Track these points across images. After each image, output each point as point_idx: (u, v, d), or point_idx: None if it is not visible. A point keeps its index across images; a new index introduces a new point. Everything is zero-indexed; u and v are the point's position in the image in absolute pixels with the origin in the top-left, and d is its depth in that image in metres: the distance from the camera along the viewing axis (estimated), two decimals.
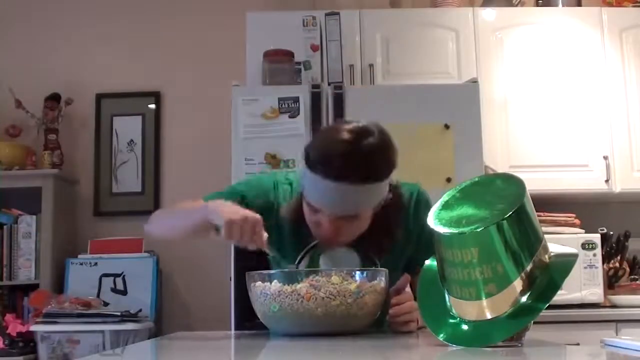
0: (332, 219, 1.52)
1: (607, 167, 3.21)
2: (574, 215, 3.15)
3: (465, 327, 1.18)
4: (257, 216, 1.46)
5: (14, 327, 2.99)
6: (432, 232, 1.20)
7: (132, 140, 3.64)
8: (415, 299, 1.43)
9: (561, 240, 2.59)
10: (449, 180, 2.74)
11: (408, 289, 1.54)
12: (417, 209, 1.67)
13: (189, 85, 3.66)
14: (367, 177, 1.47)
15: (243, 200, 1.61)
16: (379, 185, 1.51)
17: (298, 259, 1.61)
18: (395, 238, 1.63)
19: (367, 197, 1.51)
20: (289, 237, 1.65)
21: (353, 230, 1.57)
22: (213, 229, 1.57)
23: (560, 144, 3.23)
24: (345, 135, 1.47)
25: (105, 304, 3.15)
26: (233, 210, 1.47)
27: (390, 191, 1.57)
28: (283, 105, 2.84)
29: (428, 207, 1.27)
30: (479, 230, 1.13)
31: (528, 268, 1.14)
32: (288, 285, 1.39)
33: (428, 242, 1.24)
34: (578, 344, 2.34)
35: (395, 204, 1.61)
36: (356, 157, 1.46)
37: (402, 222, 1.65)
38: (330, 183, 1.46)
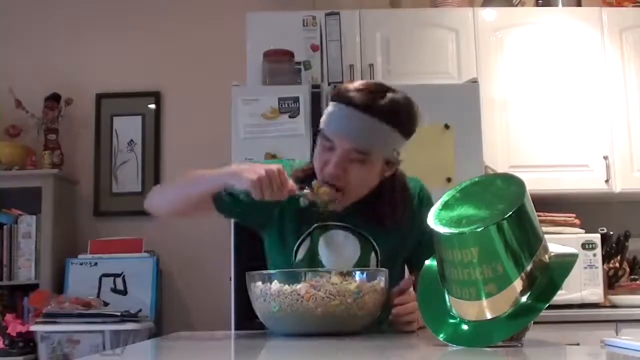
0: (343, 153, 1.52)
1: (607, 167, 3.21)
2: (574, 215, 3.15)
3: (465, 327, 1.18)
4: (278, 166, 1.50)
5: (14, 327, 2.99)
6: (432, 233, 1.20)
7: (132, 140, 3.64)
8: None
9: (561, 240, 2.59)
10: (449, 180, 2.74)
11: (411, 289, 1.54)
12: (420, 203, 1.68)
13: (189, 85, 3.66)
14: (388, 114, 1.51)
15: None
16: (396, 134, 1.54)
17: (298, 242, 1.62)
18: (396, 210, 1.63)
19: (381, 139, 1.53)
20: (290, 220, 1.65)
21: (358, 175, 1.56)
22: (214, 204, 1.59)
23: (561, 144, 3.23)
24: (376, 82, 1.58)
25: (105, 304, 3.15)
26: (253, 168, 1.49)
27: (399, 161, 1.59)
28: (283, 105, 2.84)
29: (430, 203, 1.28)
30: (479, 230, 1.13)
31: (528, 268, 1.14)
32: (288, 285, 1.39)
33: (429, 241, 1.24)
34: (578, 344, 2.34)
35: (400, 179, 1.64)
36: (382, 95, 1.52)
37: (406, 203, 1.66)
38: (351, 111, 1.51)
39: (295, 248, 1.63)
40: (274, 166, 1.49)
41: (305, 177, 1.63)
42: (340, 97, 1.54)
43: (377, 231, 1.64)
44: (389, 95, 1.53)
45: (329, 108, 1.57)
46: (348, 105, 1.51)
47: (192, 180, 1.67)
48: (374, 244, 1.63)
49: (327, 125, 1.56)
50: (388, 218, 1.62)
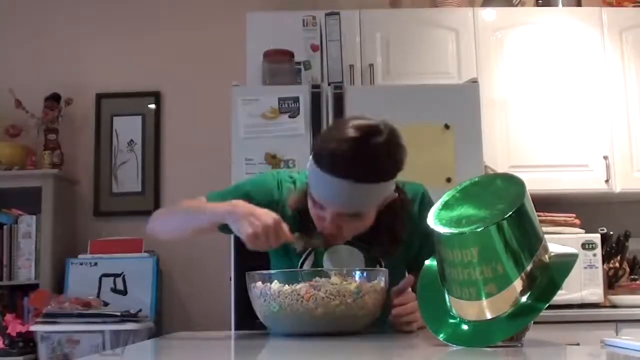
0: (334, 216, 1.52)
1: (607, 167, 3.21)
2: (574, 215, 3.15)
3: (465, 327, 1.18)
4: (275, 216, 1.47)
5: (14, 327, 2.99)
6: (432, 233, 1.20)
7: (132, 140, 3.64)
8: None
9: (561, 240, 2.60)
10: (449, 180, 2.74)
11: (410, 289, 1.54)
12: (421, 209, 1.67)
13: (189, 85, 3.66)
14: (372, 176, 1.47)
15: (247, 200, 1.60)
16: (384, 184, 1.51)
17: (302, 258, 1.62)
18: (397, 237, 1.63)
19: (371, 196, 1.51)
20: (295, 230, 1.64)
21: (355, 228, 1.57)
22: (218, 229, 1.59)
23: (561, 144, 3.23)
24: (353, 133, 1.46)
25: (105, 304, 3.15)
26: (249, 217, 1.46)
27: (395, 190, 1.58)
28: (283, 105, 2.84)
29: (432, 206, 1.27)
30: (479, 230, 1.13)
31: (528, 268, 1.14)
32: (288, 285, 1.39)
33: (430, 242, 1.24)
34: (578, 344, 2.34)
35: (399, 203, 1.62)
36: (362, 155, 1.45)
37: (406, 222, 1.66)
38: (334, 179, 1.46)
39: (299, 264, 1.63)
40: (271, 218, 1.46)
41: (300, 209, 1.62)
42: (321, 163, 1.48)
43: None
44: (370, 144, 1.45)
45: (312, 170, 1.51)
46: (330, 173, 1.46)
47: (190, 213, 1.66)
48: (379, 257, 1.63)
49: (313, 189, 1.53)
50: (389, 244, 1.62)
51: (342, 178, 1.45)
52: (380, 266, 1.63)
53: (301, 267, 1.63)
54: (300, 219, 1.62)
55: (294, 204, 1.64)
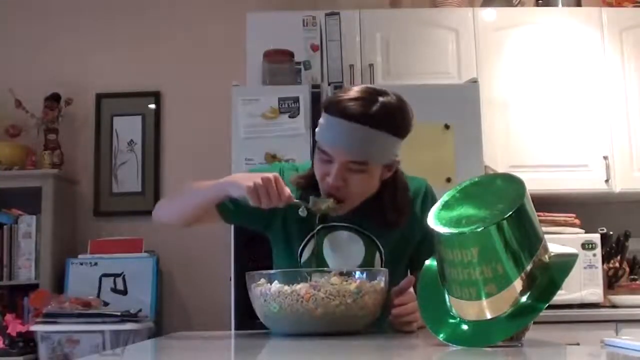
0: (341, 165, 1.53)
1: (607, 167, 3.21)
2: (574, 215, 3.15)
3: (465, 327, 1.18)
4: (275, 174, 1.51)
5: (14, 327, 2.98)
6: (432, 233, 1.20)
7: (132, 140, 3.64)
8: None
9: (561, 240, 2.60)
10: (449, 180, 2.74)
11: (411, 289, 1.54)
12: (424, 203, 1.68)
13: (189, 85, 3.66)
14: (384, 123, 1.51)
15: None
16: (393, 139, 1.54)
17: (302, 243, 1.63)
18: (400, 210, 1.64)
19: (380, 147, 1.53)
20: (294, 223, 1.66)
21: (359, 184, 1.57)
22: (217, 210, 1.61)
23: (560, 144, 3.23)
24: (366, 88, 1.56)
25: (105, 304, 3.15)
26: (250, 177, 1.50)
27: (398, 161, 1.60)
28: (283, 105, 2.84)
29: (435, 203, 1.28)
30: (479, 230, 1.13)
31: (528, 268, 1.14)
32: (288, 285, 1.39)
33: (430, 241, 1.24)
34: (578, 344, 2.34)
35: (401, 181, 1.65)
36: (374, 101, 1.51)
37: (408, 203, 1.67)
38: (346, 124, 1.49)
39: (300, 249, 1.64)
40: (271, 174, 1.50)
41: (307, 183, 1.65)
42: (333, 109, 1.53)
43: (381, 231, 1.65)
44: (381, 100, 1.52)
45: (322, 120, 1.56)
46: (341, 117, 1.50)
47: (193, 191, 1.69)
48: (378, 243, 1.64)
49: (322, 139, 1.56)
50: (392, 217, 1.63)
51: (354, 121, 1.49)
52: (380, 252, 1.64)
53: (301, 252, 1.65)
54: (304, 193, 1.63)
55: (297, 179, 1.66)
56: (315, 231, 1.64)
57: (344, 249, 1.63)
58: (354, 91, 1.54)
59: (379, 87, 1.58)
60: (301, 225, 1.65)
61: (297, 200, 1.57)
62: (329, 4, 3.39)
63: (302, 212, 1.59)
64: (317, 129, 1.58)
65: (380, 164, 1.57)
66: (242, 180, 1.51)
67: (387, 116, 1.51)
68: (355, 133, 1.50)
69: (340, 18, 3.03)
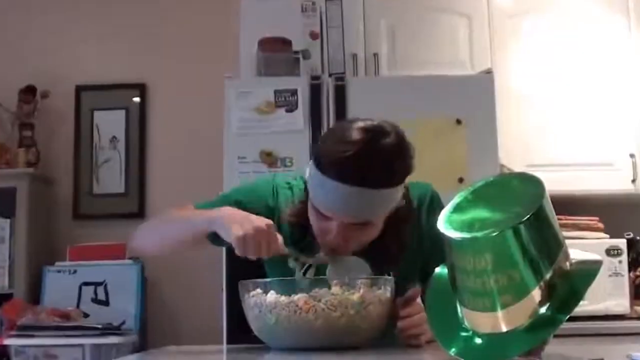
0: (341, 226, 1.52)
1: (634, 166, 3.21)
2: (597, 218, 3.15)
3: (478, 340, 1.18)
4: (267, 221, 1.48)
5: None
6: (443, 238, 1.20)
7: (114, 137, 3.64)
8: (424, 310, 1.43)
9: (584, 245, 2.60)
10: (461, 180, 2.74)
11: (418, 300, 1.54)
12: (430, 212, 1.68)
13: (177, 76, 3.66)
14: (384, 181, 1.48)
15: (238, 208, 1.60)
16: (395, 189, 1.52)
17: (302, 270, 1.62)
18: (406, 245, 1.64)
19: (382, 203, 1.52)
20: (293, 248, 1.64)
21: (363, 238, 1.57)
22: (208, 239, 1.59)
23: (583, 140, 3.24)
24: (360, 135, 1.47)
25: (86, 316, 3.16)
26: (240, 221, 1.47)
27: (403, 195, 1.58)
28: (280, 99, 2.84)
29: (441, 208, 1.28)
30: (493, 234, 1.13)
31: (547, 276, 1.14)
32: (285, 295, 1.39)
33: (439, 248, 1.24)
34: (602, 359, 2.34)
35: (406, 208, 1.62)
36: (373, 159, 1.45)
37: (413, 227, 1.66)
38: (342, 187, 1.45)
39: (301, 274, 1.63)
40: (264, 223, 1.46)
41: (298, 221, 1.63)
42: (326, 168, 1.47)
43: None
44: (379, 147, 1.46)
45: (316, 176, 1.50)
46: (336, 180, 1.45)
47: (177, 222, 1.66)
48: (386, 268, 1.63)
49: (316, 198, 1.53)
50: (396, 252, 1.63)
51: (351, 185, 1.45)
52: (388, 274, 1.63)
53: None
54: (297, 232, 1.63)
55: (291, 216, 1.64)
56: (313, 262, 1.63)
57: (349, 271, 1.61)
58: (348, 141, 1.46)
59: (375, 123, 1.51)
60: (302, 250, 1.64)
61: (287, 251, 1.55)
62: None
63: (292, 264, 1.58)
64: (308, 179, 1.55)
65: (384, 215, 1.56)
66: (232, 224, 1.46)
67: (388, 171, 1.48)
68: (354, 196, 1.46)
69: (342, 3, 3.04)
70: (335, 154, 1.46)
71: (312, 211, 1.57)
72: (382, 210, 1.54)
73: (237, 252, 1.46)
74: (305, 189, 1.60)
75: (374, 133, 1.47)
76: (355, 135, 1.47)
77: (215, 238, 1.59)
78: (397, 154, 1.49)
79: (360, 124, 1.50)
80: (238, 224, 1.46)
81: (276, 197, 1.69)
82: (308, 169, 1.54)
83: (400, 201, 1.57)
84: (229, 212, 1.53)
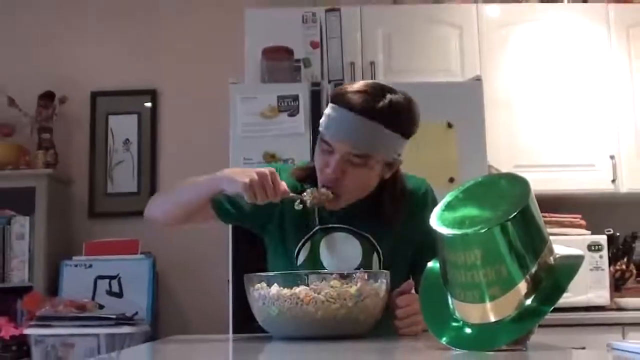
0: (342, 156, 1.54)
1: (614, 166, 3.21)
2: (579, 216, 3.15)
3: (468, 330, 1.18)
4: (270, 169, 1.52)
5: (7, 330, 2.98)
6: (434, 234, 1.20)
7: (127, 140, 3.64)
8: None
9: (567, 241, 2.59)
10: (451, 180, 2.74)
11: (413, 291, 1.54)
12: (424, 204, 1.68)
13: (186, 83, 3.66)
14: (388, 118, 1.52)
15: None
16: (395, 136, 1.55)
17: (299, 245, 1.64)
18: (399, 212, 1.65)
19: (382, 142, 1.54)
20: (290, 224, 1.67)
21: (358, 178, 1.58)
22: (212, 210, 1.62)
23: (566, 143, 3.24)
24: (375, 84, 1.57)
25: (101, 307, 3.15)
26: (245, 172, 1.51)
27: (400, 161, 1.61)
28: (282, 104, 2.84)
29: (435, 203, 1.28)
30: (482, 231, 1.13)
31: (533, 270, 1.14)
32: (287, 288, 1.39)
33: (431, 242, 1.24)
34: (584, 348, 2.35)
35: (401, 181, 1.66)
36: (382, 96, 1.52)
37: (408, 203, 1.67)
38: (350, 114, 1.51)
39: (296, 252, 1.64)
40: (266, 169, 1.51)
41: (306, 175, 1.66)
42: (339, 99, 1.54)
43: (378, 232, 1.65)
44: (389, 96, 1.53)
45: (328, 110, 1.57)
46: (347, 108, 1.52)
47: (186, 186, 1.68)
48: (376, 245, 1.64)
49: (326, 129, 1.57)
50: (390, 217, 1.64)
51: (358, 114, 1.50)
52: (377, 254, 1.64)
53: (298, 254, 1.65)
54: (302, 188, 1.65)
55: (295, 171, 1.69)
56: (311, 233, 1.65)
57: (341, 251, 1.63)
58: (362, 84, 1.56)
59: (388, 84, 1.59)
60: (297, 226, 1.66)
61: (293, 194, 1.57)
62: (329, 0, 3.38)
63: (298, 205, 1.59)
64: (321, 119, 1.59)
65: (381, 159, 1.57)
66: (237, 175, 1.51)
67: (393, 113, 1.53)
68: (359, 125, 1.51)
69: (341, 14, 3.04)
70: (350, 88, 1.55)
71: (318, 148, 1.60)
72: (381, 149, 1.55)
73: (247, 198, 1.50)
74: (311, 161, 1.65)
75: (388, 87, 1.57)
76: (371, 82, 1.59)
77: (220, 209, 1.62)
78: (405, 105, 1.56)
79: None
80: (243, 174, 1.50)
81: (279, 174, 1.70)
82: (324, 112, 1.60)
83: (399, 161, 1.61)
84: (231, 169, 1.59)
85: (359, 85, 1.56)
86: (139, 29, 3.71)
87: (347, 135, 1.53)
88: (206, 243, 3.30)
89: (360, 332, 1.44)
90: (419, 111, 1.59)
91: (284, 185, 1.53)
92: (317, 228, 1.65)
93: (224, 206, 1.66)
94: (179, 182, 1.73)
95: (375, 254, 1.65)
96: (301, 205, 1.59)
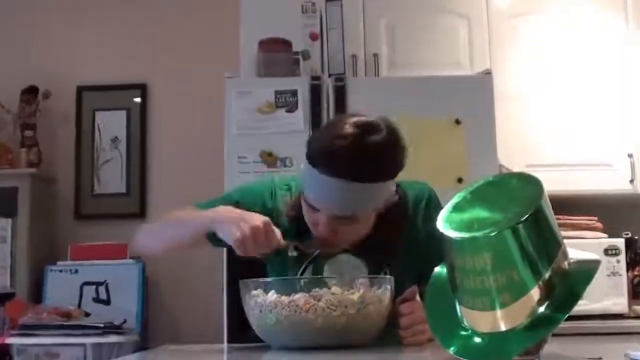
0: (329, 218, 1.53)
1: (632, 166, 3.21)
2: (595, 218, 3.16)
3: (477, 339, 1.18)
4: (264, 218, 1.48)
5: None
6: (442, 238, 1.20)
7: (116, 137, 3.65)
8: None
9: (582, 245, 2.59)
10: (460, 180, 2.74)
11: (417, 298, 1.54)
12: (426, 214, 1.68)
13: (178, 77, 3.66)
14: (369, 175, 1.48)
15: (240, 208, 1.61)
16: (382, 185, 1.53)
17: (301, 269, 1.63)
18: (398, 243, 1.64)
19: (368, 198, 1.53)
20: (291, 250, 1.66)
21: (351, 233, 1.58)
22: (207, 240, 1.60)
23: (581, 141, 3.24)
24: (350, 130, 1.48)
25: (87, 315, 3.16)
26: (237, 222, 1.47)
27: (396, 192, 1.59)
28: (280, 99, 2.84)
29: (438, 209, 1.28)
30: (492, 234, 1.13)
31: (546, 276, 1.14)
32: (285, 295, 1.39)
33: (437, 247, 1.24)
34: (600, 359, 2.34)
35: (400, 206, 1.63)
36: (359, 154, 1.47)
37: (409, 227, 1.67)
38: (329, 179, 1.47)
39: (298, 275, 1.64)
40: (260, 220, 1.46)
41: (299, 214, 1.64)
42: (316, 161, 1.50)
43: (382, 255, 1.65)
44: (368, 142, 1.47)
45: (306, 170, 1.53)
46: (326, 173, 1.47)
47: (177, 224, 1.67)
48: (383, 267, 1.64)
49: (307, 189, 1.55)
50: (392, 249, 1.64)
51: (336, 177, 1.47)
52: (385, 273, 1.64)
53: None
54: (297, 227, 1.64)
55: (291, 210, 1.66)
56: (313, 256, 1.64)
57: (347, 271, 1.63)
58: (338, 135, 1.48)
59: (367, 119, 1.52)
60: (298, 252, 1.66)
61: (286, 242, 1.55)
62: None
63: (292, 252, 1.60)
64: (302, 171, 1.57)
65: (372, 209, 1.57)
66: (230, 224, 1.47)
67: (377, 166, 1.49)
68: (341, 189, 1.48)
69: (342, 4, 3.04)
70: (324, 148, 1.49)
71: (304, 203, 1.58)
72: (368, 206, 1.55)
73: (237, 252, 1.48)
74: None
75: (364, 129, 1.49)
76: (346, 130, 1.48)
77: (215, 240, 1.59)
78: (385, 150, 1.50)
79: (353, 119, 1.51)
80: (235, 226, 1.46)
81: (274, 198, 1.70)
82: (303, 163, 1.55)
83: (392, 197, 1.59)
84: (225, 212, 1.54)
85: (335, 136, 1.48)
86: (128, 20, 3.71)
87: (330, 201, 1.51)
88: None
89: (363, 342, 1.44)
90: (405, 145, 1.54)
91: (277, 236, 1.49)
92: (317, 252, 1.64)
93: (219, 238, 1.65)
94: (168, 216, 1.71)
95: (382, 273, 1.65)
96: (295, 253, 1.60)
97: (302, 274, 1.63)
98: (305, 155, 1.54)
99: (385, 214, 1.61)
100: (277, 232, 1.50)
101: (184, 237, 1.66)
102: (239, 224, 1.46)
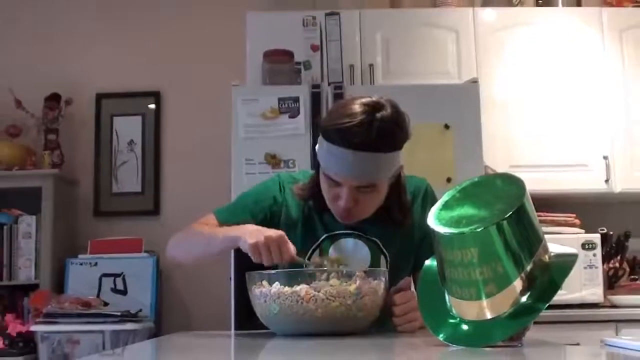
0: (351, 189, 1.56)
1: (607, 167, 3.21)
2: (574, 215, 3.15)
3: (465, 327, 1.18)
4: (280, 232, 1.52)
5: (14, 327, 2.99)
6: (432, 233, 1.20)
7: (132, 140, 3.64)
8: None
9: (561, 240, 2.59)
10: (449, 180, 2.74)
11: (412, 288, 1.55)
12: (423, 204, 1.71)
13: (189, 85, 3.66)
14: (385, 145, 1.53)
15: (255, 207, 1.70)
16: (396, 154, 1.57)
17: (309, 253, 1.65)
18: (405, 211, 1.67)
19: (385, 166, 1.56)
20: (297, 233, 1.68)
21: (371, 201, 1.61)
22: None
23: (560, 144, 3.23)
24: (361, 108, 1.53)
25: (105, 304, 3.15)
26: (256, 234, 1.51)
27: (401, 167, 1.63)
28: (283, 105, 2.84)
29: (434, 203, 1.29)
30: (478, 230, 1.13)
31: (528, 268, 1.14)
32: (288, 286, 1.39)
33: (430, 241, 1.24)
34: (578, 344, 2.34)
35: (403, 181, 1.68)
36: (375, 126, 1.51)
37: (410, 203, 1.70)
38: (349, 152, 1.51)
39: (306, 259, 1.64)
40: (275, 233, 1.51)
41: (308, 194, 1.68)
42: (333, 137, 1.53)
43: (385, 235, 1.68)
44: (379, 117, 1.51)
45: (323, 147, 1.57)
46: (343, 146, 1.51)
47: (207, 240, 1.69)
48: (383, 248, 1.66)
49: (326, 165, 1.58)
50: (398, 216, 1.67)
51: (357, 150, 1.50)
52: (384, 256, 1.66)
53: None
54: (303, 207, 1.68)
55: (301, 191, 1.69)
56: (320, 241, 1.67)
57: (351, 256, 1.65)
58: (351, 113, 1.52)
59: (373, 99, 1.56)
60: (305, 235, 1.68)
61: (300, 259, 1.57)
62: (329, 4, 3.38)
63: (308, 264, 1.61)
64: (318, 151, 1.60)
65: (388, 178, 1.61)
66: (249, 236, 1.51)
67: (388, 137, 1.53)
68: (360, 160, 1.52)
69: (341, 18, 3.04)
70: (341, 125, 1.52)
71: (324, 180, 1.62)
72: (385, 173, 1.58)
73: (253, 259, 1.51)
74: (315, 167, 1.66)
75: (373, 106, 1.54)
76: (357, 109, 1.53)
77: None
78: (394, 122, 1.55)
79: (361, 100, 1.56)
80: (254, 236, 1.50)
81: (283, 192, 1.73)
82: (318, 144, 1.59)
83: (401, 166, 1.63)
84: (247, 228, 1.58)
85: (347, 114, 1.53)
86: (144, 32, 3.71)
87: (350, 172, 1.54)
88: None
89: (359, 329, 1.44)
90: (407, 117, 1.59)
91: (291, 250, 1.51)
92: (325, 236, 1.68)
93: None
94: (196, 229, 1.73)
95: (383, 258, 1.67)
96: (311, 266, 1.60)
97: (309, 257, 1.65)
98: (321, 136, 1.57)
99: (393, 183, 1.64)
100: (292, 246, 1.52)
101: (212, 254, 1.70)
102: (256, 234, 1.51)
